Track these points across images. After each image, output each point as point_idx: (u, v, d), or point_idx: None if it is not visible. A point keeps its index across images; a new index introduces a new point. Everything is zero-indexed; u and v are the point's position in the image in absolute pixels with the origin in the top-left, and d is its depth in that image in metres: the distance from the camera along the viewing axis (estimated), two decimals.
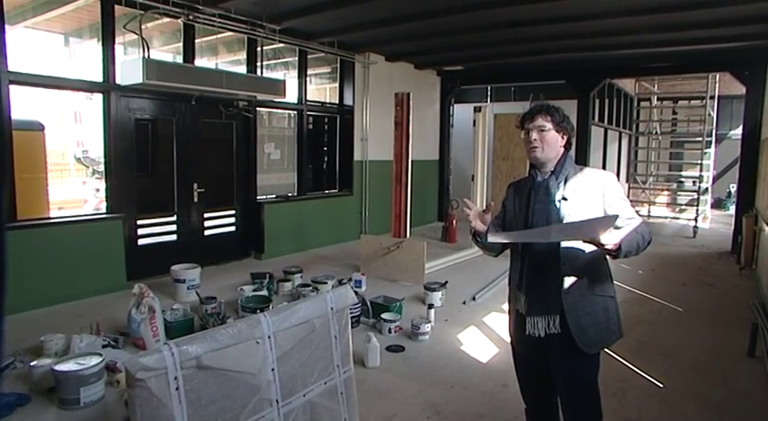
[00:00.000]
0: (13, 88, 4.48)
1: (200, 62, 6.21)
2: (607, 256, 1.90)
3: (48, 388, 3.03)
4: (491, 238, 1.97)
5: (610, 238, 1.73)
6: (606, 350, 2.06)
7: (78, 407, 2.89)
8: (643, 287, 5.69)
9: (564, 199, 1.95)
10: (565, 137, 2.02)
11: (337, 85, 8.11)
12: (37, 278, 4.58)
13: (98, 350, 3.32)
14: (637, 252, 1.85)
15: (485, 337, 4.17)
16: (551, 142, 1.98)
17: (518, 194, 2.11)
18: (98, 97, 5.28)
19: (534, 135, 1.99)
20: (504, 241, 2.02)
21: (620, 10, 5.39)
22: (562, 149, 2.02)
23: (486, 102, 10.91)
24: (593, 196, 1.94)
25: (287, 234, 7.03)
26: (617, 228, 1.85)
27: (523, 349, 2.14)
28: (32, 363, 3.14)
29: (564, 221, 1.93)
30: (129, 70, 4.85)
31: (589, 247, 1.86)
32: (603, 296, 1.99)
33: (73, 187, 11.77)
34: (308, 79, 7.46)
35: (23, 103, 5.54)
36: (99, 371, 3.00)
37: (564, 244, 1.92)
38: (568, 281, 1.93)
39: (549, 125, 1.97)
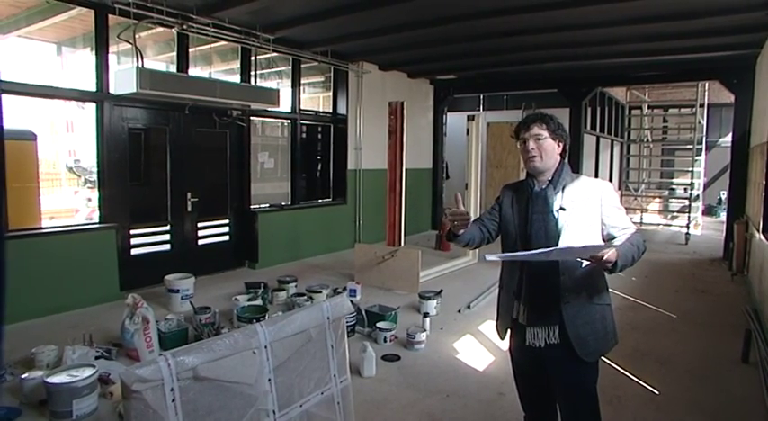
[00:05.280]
0: (5, 97, 4.44)
1: (194, 71, 6.21)
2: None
3: (39, 400, 2.98)
4: (489, 258, 1.87)
5: (607, 254, 1.76)
6: (602, 357, 2.06)
7: (71, 420, 2.85)
8: (637, 294, 5.71)
9: (562, 209, 1.95)
10: (561, 144, 2.02)
11: (331, 94, 8.13)
12: (28, 289, 4.52)
13: (91, 361, 3.27)
14: (632, 264, 1.87)
15: (480, 346, 4.17)
16: (549, 150, 1.99)
17: (516, 200, 2.09)
18: (91, 106, 5.26)
19: (531, 144, 1.98)
20: (505, 259, 2.03)
21: (611, 20, 5.46)
22: (559, 157, 2.03)
23: (479, 110, 10.98)
24: (591, 206, 1.95)
25: (281, 243, 7.00)
26: (612, 237, 1.88)
27: (522, 358, 2.13)
28: (23, 376, 3.09)
29: (562, 231, 1.93)
30: (123, 79, 4.83)
31: (589, 262, 1.88)
32: (601, 304, 2.00)
33: (64, 197, 11.68)
34: (301, 88, 7.48)
35: (15, 113, 5.51)
36: (92, 383, 2.96)
37: None
38: (568, 291, 1.93)
39: (545, 133, 1.98)
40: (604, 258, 1.74)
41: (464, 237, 2.05)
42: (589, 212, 1.95)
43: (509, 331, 2.14)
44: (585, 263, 1.89)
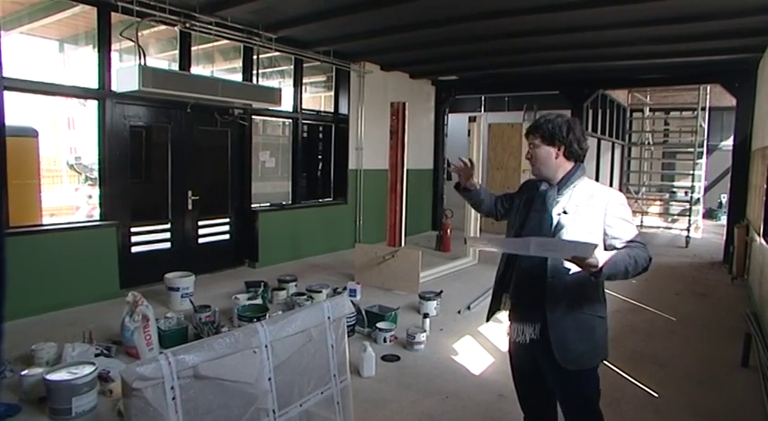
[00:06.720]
0: (7, 94, 4.45)
1: (196, 70, 6.21)
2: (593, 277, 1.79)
3: (38, 398, 2.99)
4: (472, 244, 2.04)
5: (593, 259, 1.67)
6: (593, 366, 2.03)
7: (70, 417, 2.85)
8: (636, 296, 5.71)
9: (564, 212, 1.94)
10: (561, 147, 1.98)
11: (332, 93, 8.13)
12: (28, 285, 4.52)
13: (90, 359, 3.28)
14: (625, 276, 1.77)
15: (480, 347, 4.16)
16: (541, 157, 2.02)
17: (526, 198, 2.13)
18: (92, 104, 5.27)
19: (529, 152, 2.06)
20: (486, 249, 2.07)
21: (613, 22, 5.46)
22: (562, 160, 2.00)
23: (481, 111, 10.98)
24: (594, 213, 1.90)
25: (281, 242, 7.00)
26: (614, 248, 1.84)
27: (520, 357, 2.14)
28: (23, 373, 3.10)
29: (560, 234, 1.91)
30: (125, 77, 4.84)
31: (575, 266, 1.77)
32: (592, 315, 1.94)
33: (65, 194, 11.69)
34: (303, 88, 7.48)
35: (17, 109, 5.51)
36: (91, 380, 2.96)
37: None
38: (554, 294, 1.89)
39: (537, 142, 2.02)
40: (587, 260, 1.67)
41: (474, 194, 2.38)
42: (591, 219, 1.90)
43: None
44: (576, 268, 1.79)
